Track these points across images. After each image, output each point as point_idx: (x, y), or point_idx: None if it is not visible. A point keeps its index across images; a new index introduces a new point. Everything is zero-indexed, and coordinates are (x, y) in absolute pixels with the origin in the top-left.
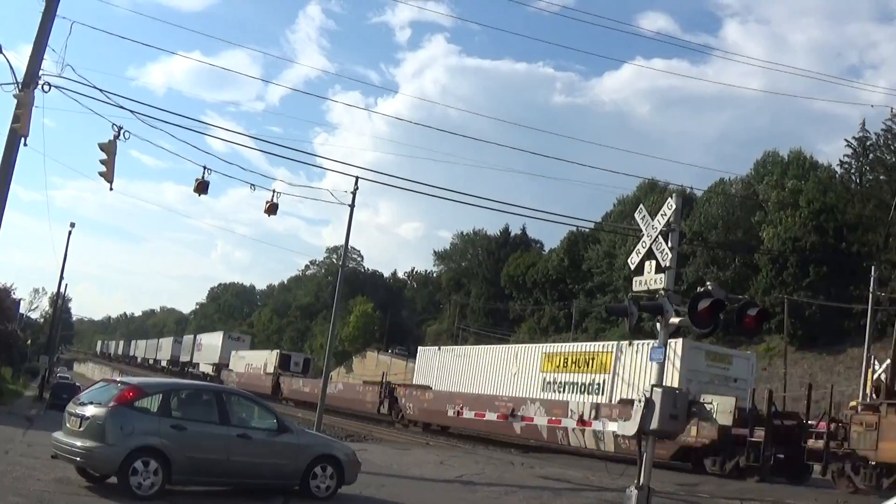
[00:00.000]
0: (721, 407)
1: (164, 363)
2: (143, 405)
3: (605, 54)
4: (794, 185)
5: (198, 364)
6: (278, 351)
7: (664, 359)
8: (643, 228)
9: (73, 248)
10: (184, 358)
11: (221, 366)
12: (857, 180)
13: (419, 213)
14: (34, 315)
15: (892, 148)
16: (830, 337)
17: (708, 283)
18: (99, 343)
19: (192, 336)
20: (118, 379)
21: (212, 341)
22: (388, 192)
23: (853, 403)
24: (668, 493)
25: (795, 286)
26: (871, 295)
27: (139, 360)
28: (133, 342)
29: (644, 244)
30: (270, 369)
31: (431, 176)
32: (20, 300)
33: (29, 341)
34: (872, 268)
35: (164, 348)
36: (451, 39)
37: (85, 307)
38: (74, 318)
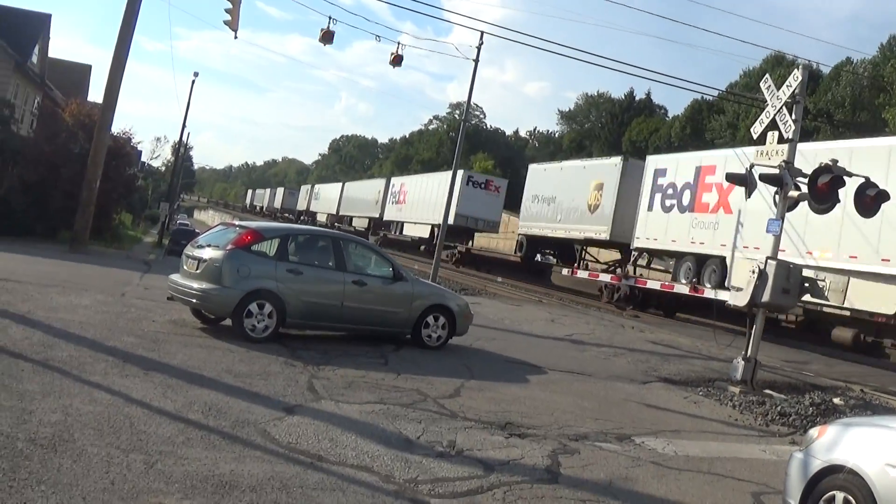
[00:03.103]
0: (833, 285)
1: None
2: (261, 249)
3: None
4: None
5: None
6: None
7: (781, 231)
8: (768, 98)
9: (196, 98)
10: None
11: None
12: None
13: (546, 72)
14: (156, 163)
15: None
16: None
17: (829, 159)
18: (248, 194)
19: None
20: (237, 223)
21: None
22: (515, 50)
23: None
24: (773, 368)
25: None
26: None
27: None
28: (312, 189)
29: (768, 114)
30: None
31: (559, 35)
32: (140, 149)
33: (150, 189)
34: None
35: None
36: None
37: (207, 156)
38: (196, 167)
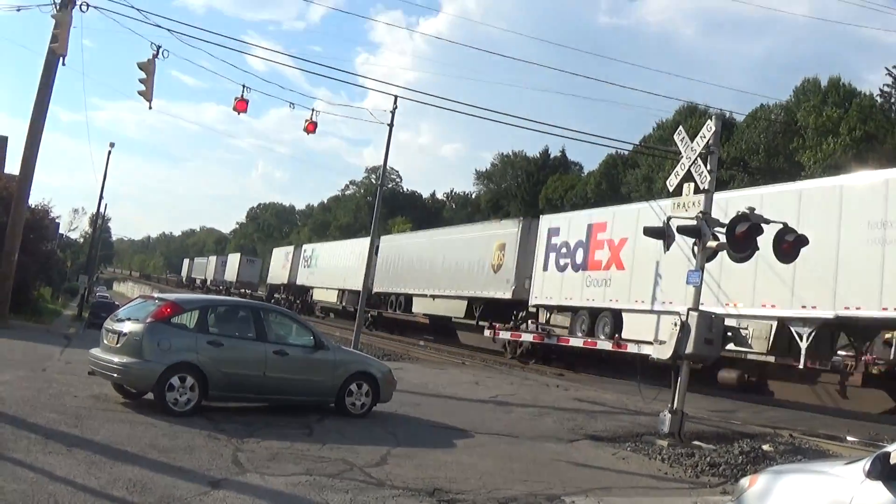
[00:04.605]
0: (756, 332)
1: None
2: (181, 321)
3: None
4: (835, 112)
5: None
6: None
7: (701, 282)
8: (682, 150)
9: (112, 169)
10: None
11: None
12: None
13: (460, 133)
14: (74, 235)
15: None
16: None
17: (745, 207)
18: (185, 265)
19: None
20: (156, 295)
21: None
22: (429, 113)
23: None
24: (700, 419)
25: None
26: None
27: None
28: (299, 252)
29: (683, 166)
30: None
31: (473, 97)
32: (58, 221)
33: (69, 262)
34: None
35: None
36: None
37: (125, 227)
38: (114, 238)
